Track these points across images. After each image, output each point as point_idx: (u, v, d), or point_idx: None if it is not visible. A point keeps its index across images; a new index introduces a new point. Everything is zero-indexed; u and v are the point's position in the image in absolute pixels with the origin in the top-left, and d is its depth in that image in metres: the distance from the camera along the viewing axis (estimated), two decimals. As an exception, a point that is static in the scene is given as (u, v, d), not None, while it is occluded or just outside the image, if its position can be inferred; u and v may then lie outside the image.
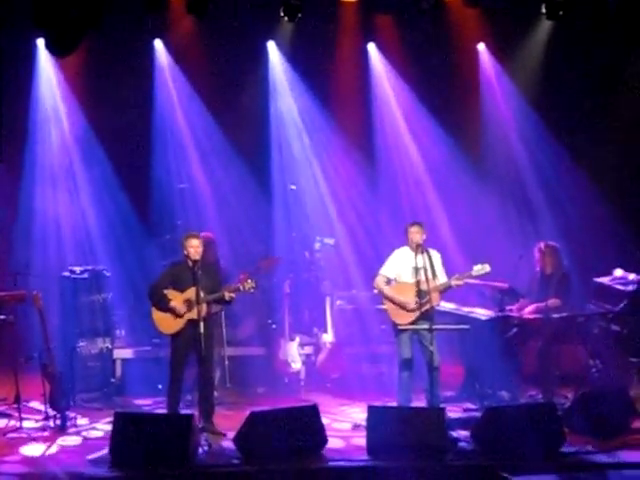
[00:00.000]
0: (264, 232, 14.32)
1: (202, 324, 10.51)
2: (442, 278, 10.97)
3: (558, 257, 12.06)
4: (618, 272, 12.32)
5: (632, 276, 12.22)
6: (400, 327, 10.94)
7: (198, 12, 12.66)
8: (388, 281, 11.13)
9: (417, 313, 10.86)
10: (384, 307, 11.21)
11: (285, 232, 14.18)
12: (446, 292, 11.11)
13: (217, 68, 14.23)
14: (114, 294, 12.88)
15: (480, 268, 10.89)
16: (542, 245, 12.12)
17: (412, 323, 10.88)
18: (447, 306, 11.90)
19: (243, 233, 14.12)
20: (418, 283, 10.85)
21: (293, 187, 14.30)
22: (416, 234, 10.93)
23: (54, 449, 10.28)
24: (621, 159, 14.45)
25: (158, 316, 10.90)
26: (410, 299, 10.89)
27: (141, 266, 13.34)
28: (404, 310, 10.94)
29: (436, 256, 11.04)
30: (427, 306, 10.80)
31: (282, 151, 14.67)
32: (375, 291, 11.47)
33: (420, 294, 10.83)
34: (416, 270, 10.91)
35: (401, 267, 11.07)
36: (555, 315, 11.77)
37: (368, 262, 13.15)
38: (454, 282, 10.90)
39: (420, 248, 10.90)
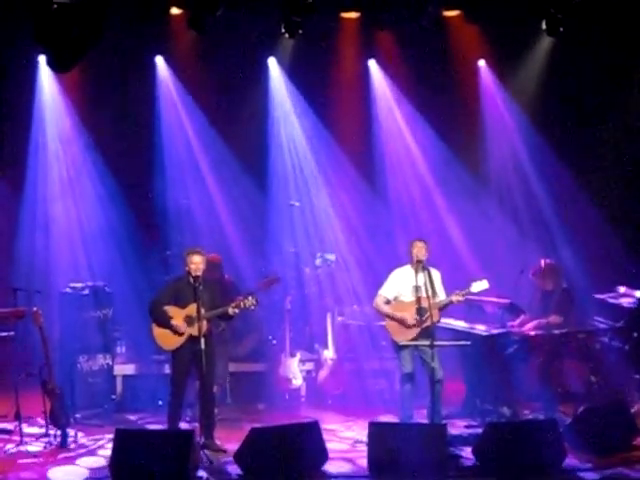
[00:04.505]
0: (265, 247, 14.32)
1: (203, 340, 10.50)
2: (441, 296, 11.03)
3: (557, 274, 12.09)
4: (620, 288, 12.31)
5: (635, 293, 12.21)
6: (401, 343, 10.96)
7: (199, 28, 12.67)
8: (387, 302, 11.18)
9: (417, 330, 10.90)
10: (385, 324, 11.24)
11: (286, 248, 14.17)
12: (446, 309, 11.15)
13: (218, 84, 14.26)
14: (115, 310, 12.86)
15: (479, 284, 10.96)
16: (542, 263, 12.15)
17: (413, 340, 10.91)
18: (448, 322, 11.90)
19: (244, 248, 14.12)
20: (418, 301, 10.91)
21: (295, 203, 14.28)
22: (421, 249, 10.99)
23: (54, 466, 10.26)
24: (623, 174, 14.45)
25: (159, 332, 10.90)
26: (410, 315, 10.93)
27: (142, 282, 13.32)
28: (404, 327, 10.97)
29: (436, 274, 11.09)
30: (427, 323, 10.83)
31: (283, 166, 14.67)
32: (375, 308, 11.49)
33: (420, 312, 10.88)
34: (416, 288, 10.96)
35: (401, 286, 11.12)
36: (556, 331, 11.78)
37: (369, 278, 13.16)
38: (454, 298, 10.96)
39: (421, 265, 10.94)
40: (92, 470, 10.11)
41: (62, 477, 9.99)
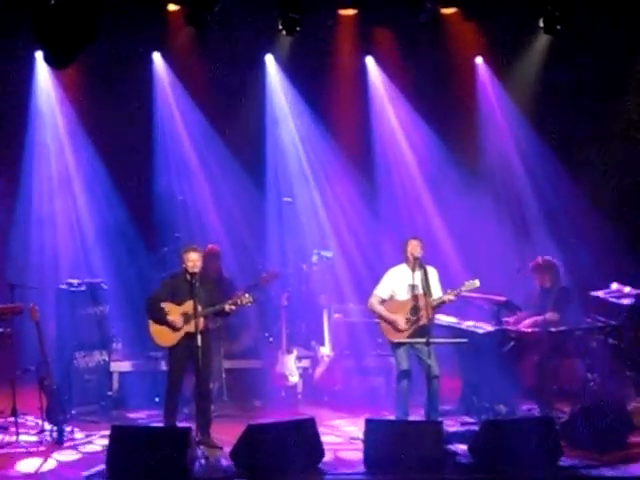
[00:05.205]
0: (262, 244, 14.31)
1: (199, 337, 10.49)
2: (437, 294, 11.04)
3: (556, 271, 12.10)
4: (615, 286, 12.31)
5: (629, 289, 12.21)
6: (397, 341, 10.98)
7: (197, 24, 12.67)
8: (382, 301, 11.19)
9: (408, 332, 10.93)
10: (378, 322, 11.27)
11: (282, 245, 14.17)
12: (439, 308, 11.16)
13: (215, 81, 14.26)
14: (112, 307, 12.86)
15: (470, 284, 11.00)
16: (540, 260, 12.16)
17: (408, 337, 10.93)
18: (445, 320, 11.91)
19: (242, 245, 14.12)
20: (415, 299, 10.94)
21: (288, 199, 14.27)
22: (416, 247, 11.00)
23: (51, 463, 10.27)
24: (618, 171, 14.45)
25: (155, 329, 10.89)
26: (402, 317, 10.95)
27: (139, 278, 13.33)
28: (395, 328, 11.01)
29: (432, 272, 11.11)
30: (420, 323, 10.86)
31: (279, 164, 14.67)
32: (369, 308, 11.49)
33: (415, 310, 10.91)
34: (412, 287, 10.98)
35: (396, 286, 11.14)
36: (553, 329, 11.78)
37: (365, 275, 13.16)
38: (446, 297, 10.99)
39: (417, 262, 10.95)
40: (88, 467, 10.10)
41: (57, 473, 9.98)
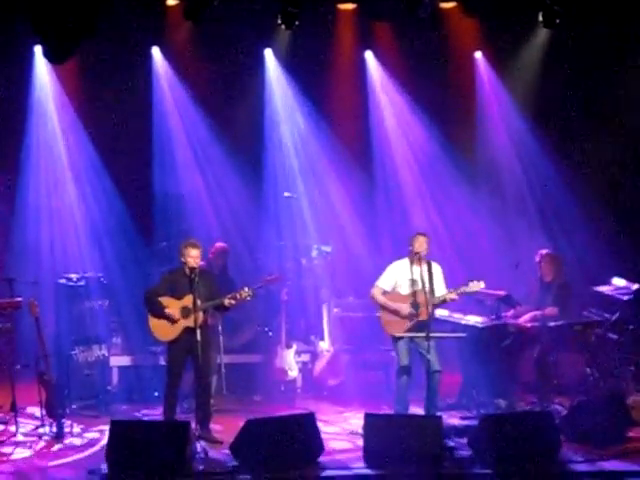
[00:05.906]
0: (261, 240, 14.31)
1: (199, 332, 10.50)
2: (441, 292, 11.02)
3: (557, 266, 12.10)
4: (615, 281, 12.31)
5: (633, 286, 12.21)
6: (397, 335, 10.98)
7: (195, 18, 12.67)
8: (384, 293, 11.18)
9: (409, 324, 10.93)
10: (378, 315, 11.26)
11: (282, 239, 14.16)
12: (440, 305, 11.15)
13: (214, 75, 14.25)
14: (111, 301, 12.87)
15: (475, 284, 10.94)
16: (541, 253, 12.17)
17: (408, 331, 10.93)
18: (444, 314, 11.91)
19: (240, 240, 14.12)
20: (413, 295, 10.93)
21: (289, 194, 14.25)
22: (423, 243, 10.99)
23: (50, 457, 10.26)
24: (619, 166, 14.45)
25: (154, 323, 10.90)
26: (404, 307, 10.94)
27: (139, 273, 13.32)
28: (397, 318, 10.99)
29: (437, 269, 11.11)
30: (419, 318, 10.86)
31: (278, 158, 14.66)
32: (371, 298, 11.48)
33: (414, 306, 10.90)
34: (413, 282, 10.96)
35: (398, 279, 11.14)
36: (552, 323, 11.79)
37: (365, 269, 13.15)
38: (448, 296, 10.98)
39: (418, 258, 10.93)
40: (87, 461, 10.10)
41: (56, 467, 9.99)
